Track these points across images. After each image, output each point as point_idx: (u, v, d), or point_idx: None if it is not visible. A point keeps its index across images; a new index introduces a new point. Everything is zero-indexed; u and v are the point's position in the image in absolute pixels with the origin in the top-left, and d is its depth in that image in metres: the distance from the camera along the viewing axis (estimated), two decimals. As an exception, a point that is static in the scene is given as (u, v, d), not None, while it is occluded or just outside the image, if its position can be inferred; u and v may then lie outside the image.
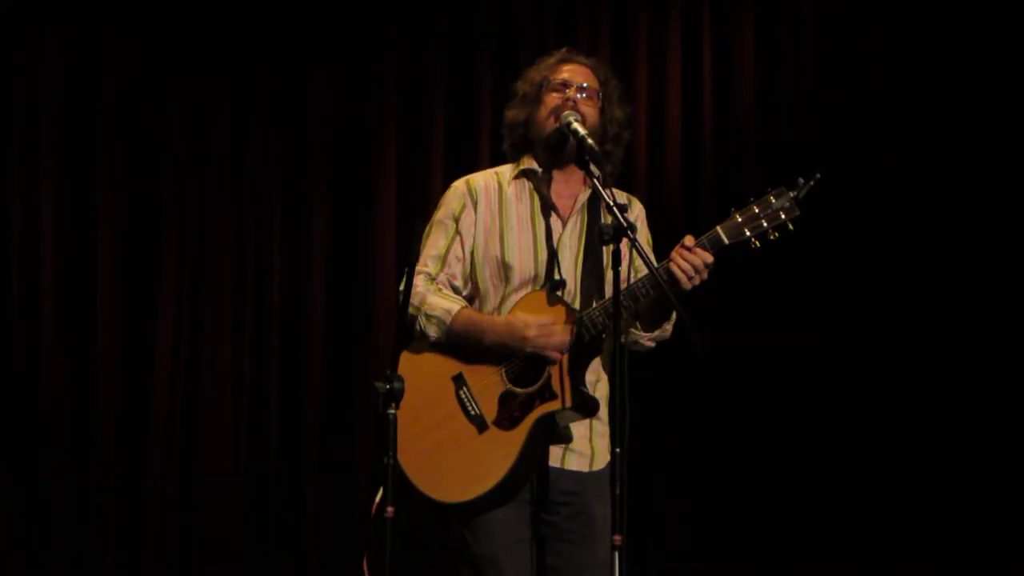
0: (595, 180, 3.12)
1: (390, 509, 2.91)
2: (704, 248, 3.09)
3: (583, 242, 3.31)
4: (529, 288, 3.25)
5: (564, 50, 3.43)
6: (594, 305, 3.20)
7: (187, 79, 5.41)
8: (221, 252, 5.41)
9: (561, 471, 3.22)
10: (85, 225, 5.31)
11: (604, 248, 3.17)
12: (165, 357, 5.31)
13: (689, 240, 3.12)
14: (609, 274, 3.13)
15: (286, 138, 5.48)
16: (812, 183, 3.11)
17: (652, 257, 3.33)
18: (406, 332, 3.21)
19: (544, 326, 3.14)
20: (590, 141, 3.14)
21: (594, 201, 3.33)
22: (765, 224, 3.11)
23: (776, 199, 3.12)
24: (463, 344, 3.20)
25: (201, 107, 5.43)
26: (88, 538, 5.17)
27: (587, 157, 3.15)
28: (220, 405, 5.34)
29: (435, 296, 3.23)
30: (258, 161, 5.47)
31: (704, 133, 5.29)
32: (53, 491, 5.16)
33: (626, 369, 2.83)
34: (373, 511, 2.96)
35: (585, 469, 3.26)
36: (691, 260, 3.08)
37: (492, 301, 3.28)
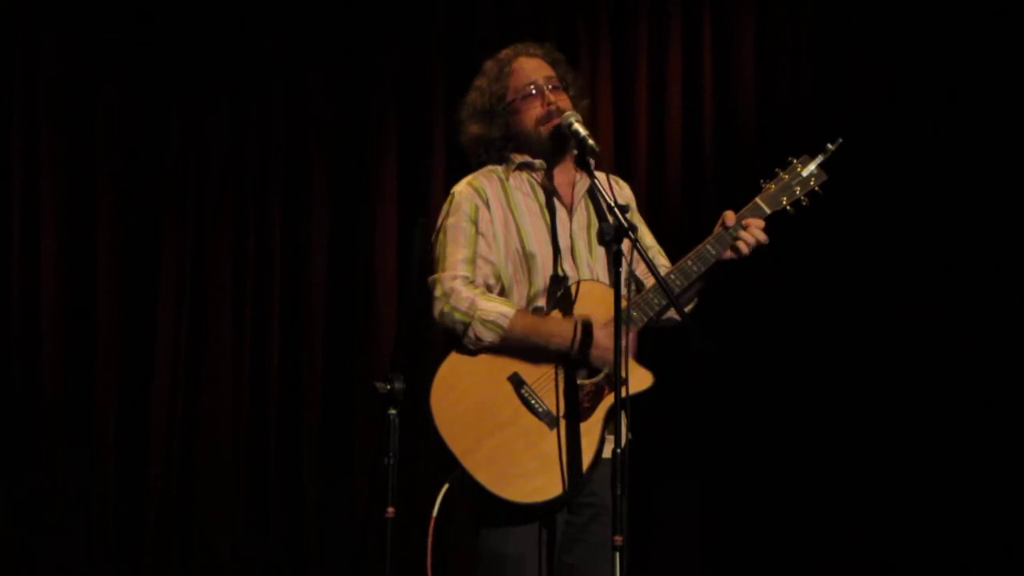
0: (595, 182, 3.13)
1: (390, 509, 2.90)
2: (755, 217, 3.21)
3: (593, 231, 3.31)
4: (555, 276, 3.23)
5: (508, 50, 3.41)
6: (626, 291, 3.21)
7: (187, 79, 5.41)
8: (221, 251, 5.41)
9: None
10: (85, 225, 5.30)
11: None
12: (165, 357, 5.31)
13: (730, 215, 3.21)
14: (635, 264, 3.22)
15: (286, 138, 5.48)
16: (836, 148, 3.28)
17: (652, 238, 3.46)
18: (422, 333, 3.17)
19: (610, 346, 3.05)
20: (591, 142, 3.15)
21: (593, 191, 3.34)
22: (798, 191, 3.26)
23: (803, 166, 3.28)
24: (515, 347, 3.15)
25: (201, 107, 5.43)
26: (88, 538, 5.17)
27: (588, 157, 3.15)
28: (220, 404, 5.33)
29: (485, 300, 3.16)
30: (258, 161, 5.46)
31: (704, 133, 5.29)
32: (53, 493, 5.15)
33: (627, 369, 2.83)
34: (432, 525, 2.95)
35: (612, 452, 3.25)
36: (755, 234, 3.19)
37: (516, 297, 3.25)
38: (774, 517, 4.99)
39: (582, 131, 3.17)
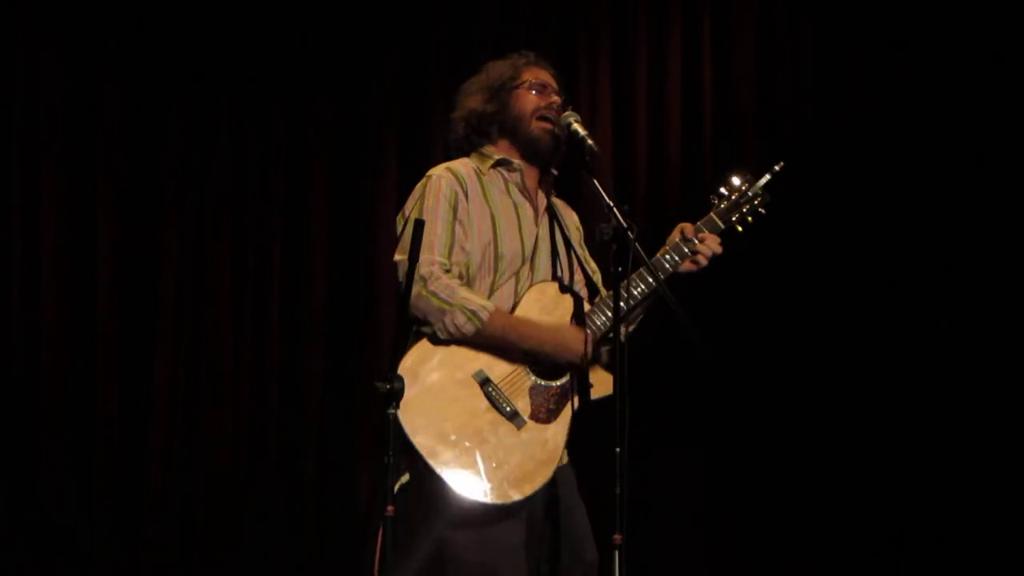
0: (595, 181, 3.14)
1: (390, 508, 2.90)
2: (711, 231, 3.29)
3: (559, 237, 3.35)
4: (515, 277, 3.25)
5: (533, 54, 3.45)
6: (598, 298, 3.26)
7: (187, 79, 5.40)
8: (221, 251, 5.41)
9: None
10: (86, 225, 5.29)
11: (581, 246, 3.36)
12: (165, 357, 5.31)
13: (688, 228, 3.27)
14: (588, 266, 3.31)
15: (286, 139, 5.47)
16: (778, 168, 3.33)
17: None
18: (410, 326, 3.17)
19: (587, 347, 3.14)
20: (590, 142, 3.16)
21: (551, 204, 3.40)
22: (745, 210, 3.32)
23: (749, 186, 3.33)
24: (487, 343, 3.16)
25: (201, 107, 5.42)
26: (88, 539, 5.17)
27: (588, 158, 3.16)
28: (220, 405, 5.33)
29: (466, 291, 3.14)
30: (258, 161, 5.46)
31: (704, 133, 5.29)
32: (53, 493, 5.15)
33: (626, 368, 2.84)
34: (390, 511, 2.94)
35: (563, 460, 3.26)
36: (711, 246, 3.27)
37: (479, 289, 3.23)
38: (772, 516, 4.99)
39: (581, 131, 3.18)
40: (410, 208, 3.26)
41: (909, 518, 4.86)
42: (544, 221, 3.35)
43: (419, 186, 3.29)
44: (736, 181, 3.34)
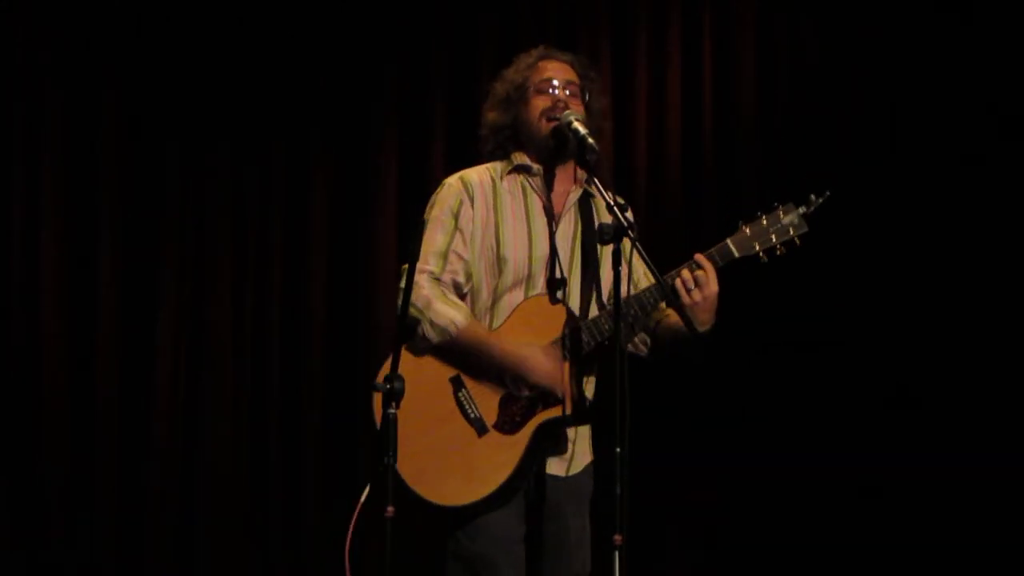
0: (595, 180, 3.13)
1: (390, 509, 2.90)
2: (711, 260, 3.16)
3: (577, 244, 3.31)
4: (523, 285, 3.24)
5: (542, 48, 3.43)
6: (596, 311, 3.23)
7: (186, 82, 5.40)
8: (222, 252, 5.42)
9: (540, 475, 3.21)
10: (86, 225, 5.30)
11: (601, 251, 3.25)
12: (165, 357, 5.31)
13: (699, 258, 3.17)
14: (608, 277, 3.19)
15: (287, 139, 5.47)
16: (822, 200, 3.21)
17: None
18: (405, 331, 3.18)
19: (551, 374, 3.13)
20: (591, 141, 3.15)
21: (585, 201, 3.35)
22: (774, 239, 3.22)
23: (785, 214, 3.23)
24: (462, 352, 3.18)
25: (202, 107, 5.42)
26: (88, 538, 5.17)
27: (588, 156, 3.15)
28: (220, 405, 5.33)
29: (441, 303, 3.17)
30: (259, 162, 5.47)
31: (704, 134, 5.29)
32: (53, 493, 5.15)
33: (626, 371, 2.83)
34: (356, 514, 2.95)
35: (562, 474, 3.26)
36: (694, 274, 3.14)
37: (484, 297, 3.25)
38: (772, 517, 5.00)
39: (582, 130, 3.16)
40: (423, 216, 3.31)
41: (909, 520, 4.85)
42: (567, 226, 3.32)
43: (433, 195, 3.35)
44: (775, 207, 3.22)
